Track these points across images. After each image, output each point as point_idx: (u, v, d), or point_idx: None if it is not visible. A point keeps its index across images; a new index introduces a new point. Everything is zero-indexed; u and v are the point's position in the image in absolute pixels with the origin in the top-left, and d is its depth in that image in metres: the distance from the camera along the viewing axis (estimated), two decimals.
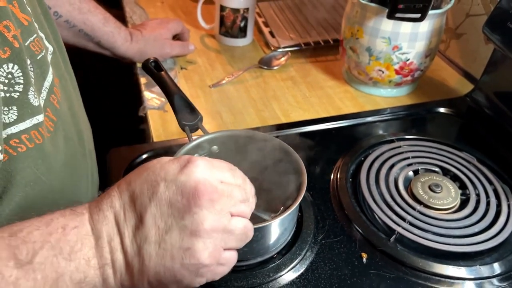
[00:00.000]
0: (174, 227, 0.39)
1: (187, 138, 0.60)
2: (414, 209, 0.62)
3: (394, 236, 0.59)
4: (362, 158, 0.72)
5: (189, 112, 0.63)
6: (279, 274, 0.55)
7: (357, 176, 0.68)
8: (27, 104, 0.44)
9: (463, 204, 0.64)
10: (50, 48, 0.52)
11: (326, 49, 1.01)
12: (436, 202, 0.63)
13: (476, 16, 0.91)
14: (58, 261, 0.37)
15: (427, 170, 0.69)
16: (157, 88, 0.70)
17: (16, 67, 0.42)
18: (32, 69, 0.45)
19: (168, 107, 0.82)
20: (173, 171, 0.41)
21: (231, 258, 0.43)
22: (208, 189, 0.40)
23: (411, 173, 0.69)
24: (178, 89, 0.64)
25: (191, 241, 0.39)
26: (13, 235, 0.37)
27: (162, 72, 0.65)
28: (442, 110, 0.84)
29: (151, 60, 0.66)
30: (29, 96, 0.44)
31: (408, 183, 0.66)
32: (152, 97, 0.86)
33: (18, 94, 0.43)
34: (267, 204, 0.57)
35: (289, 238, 0.58)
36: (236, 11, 0.98)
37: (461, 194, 0.65)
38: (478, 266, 0.56)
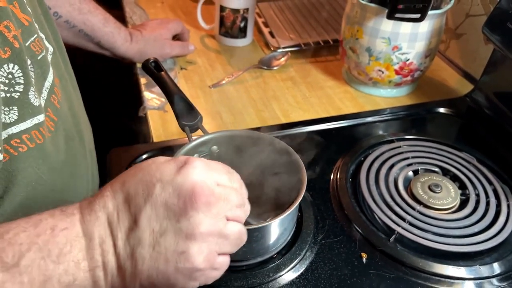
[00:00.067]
0: (169, 230, 0.39)
1: (187, 138, 0.60)
2: (414, 209, 0.62)
3: (394, 236, 0.59)
4: (362, 158, 0.72)
5: (189, 112, 0.63)
6: (279, 274, 0.55)
7: (357, 176, 0.68)
8: (28, 104, 0.44)
9: (463, 204, 0.64)
10: (50, 49, 0.52)
11: (326, 49, 1.01)
12: (436, 202, 0.63)
13: (476, 16, 0.91)
14: (46, 264, 0.36)
15: (427, 170, 0.69)
16: (157, 88, 0.70)
17: (16, 67, 0.42)
18: (32, 69, 0.45)
19: (168, 107, 0.82)
20: (169, 172, 0.40)
21: (225, 262, 0.43)
22: (205, 192, 0.39)
23: (411, 173, 0.69)
24: (178, 89, 0.64)
25: (186, 244, 0.39)
26: None
27: (162, 72, 0.65)
28: (442, 110, 0.84)
29: (151, 60, 0.66)
30: (29, 96, 0.44)
31: (408, 183, 0.66)
32: (152, 97, 0.86)
33: (18, 94, 0.43)
34: (267, 204, 0.57)
35: (289, 238, 0.58)
36: (236, 11, 0.98)
37: (461, 194, 0.65)
38: (478, 266, 0.57)
